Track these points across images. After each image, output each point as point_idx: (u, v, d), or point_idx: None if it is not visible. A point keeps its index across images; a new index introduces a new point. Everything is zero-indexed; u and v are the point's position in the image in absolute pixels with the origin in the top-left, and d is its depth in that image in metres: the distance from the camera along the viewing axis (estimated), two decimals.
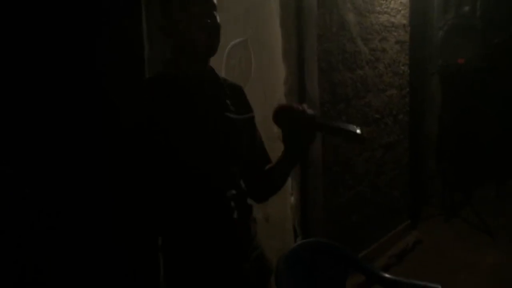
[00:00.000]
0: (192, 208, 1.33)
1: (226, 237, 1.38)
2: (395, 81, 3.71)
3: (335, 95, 3.03)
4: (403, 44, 3.77)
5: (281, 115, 1.33)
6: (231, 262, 1.39)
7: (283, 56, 2.83)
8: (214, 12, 1.33)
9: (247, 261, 1.43)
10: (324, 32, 2.92)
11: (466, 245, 3.89)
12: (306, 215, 3.00)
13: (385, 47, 3.54)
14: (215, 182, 1.35)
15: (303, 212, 2.99)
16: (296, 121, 1.30)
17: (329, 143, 3.00)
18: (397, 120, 3.78)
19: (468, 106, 4.75)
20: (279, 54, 2.83)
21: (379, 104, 3.52)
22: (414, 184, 4.24)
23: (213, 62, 2.41)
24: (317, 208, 3.02)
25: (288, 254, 1.98)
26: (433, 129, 4.81)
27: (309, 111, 1.30)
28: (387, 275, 1.99)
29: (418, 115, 4.55)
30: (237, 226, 1.39)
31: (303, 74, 2.83)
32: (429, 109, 4.82)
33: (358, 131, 1.25)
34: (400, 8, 3.68)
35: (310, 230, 2.94)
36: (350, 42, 3.14)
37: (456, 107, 4.65)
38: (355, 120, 3.25)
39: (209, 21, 1.31)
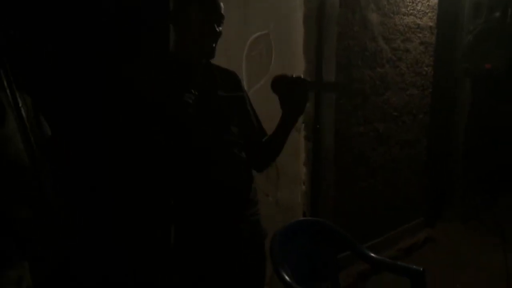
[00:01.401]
0: (197, 173, 1.55)
1: (224, 199, 1.59)
2: (417, 81, 3.82)
3: (352, 90, 3.19)
4: (428, 46, 3.87)
5: (277, 82, 1.55)
6: (229, 220, 1.61)
7: (303, 50, 3.02)
8: (222, 21, 1.56)
9: (244, 222, 1.64)
10: (345, 30, 3.08)
11: (478, 247, 3.96)
12: (316, 202, 3.18)
13: (408, 47, 3.66)
14: (214, 150, 1.56)
15: (313, 200, 3.17)
16: (289, 84, 1.53)
17: (343, 135, 3.17)
18: (417, 119, 3.89)
19: (498, 111, 4.78)
20: (299, 48, 3.02)
21: (399, 102, 3.64)
22: (434, 183, 4.34)
23: (235, 53, 2.65)
24: (327, 197, 3.20)
25: (285, 228, 2.18)
26: (461, 131, 4.86)
27: (298, 76, 1.55)
28: (373, 254, 2.16)
29: (445, 116, 4.63)
30: (235, 190, 1.61)
31: (321, 69, 3.01)
32: (459, 112, 4.88)
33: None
34: (427, 11, 3.79)
35: (319, 217, 3.12)
36: (371, 41, 3.29)
37: (486, 112, 4.69)
38: (372, 116, 3.40)
39: (218, 29, 1.53)
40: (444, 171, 4.76)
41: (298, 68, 3.02)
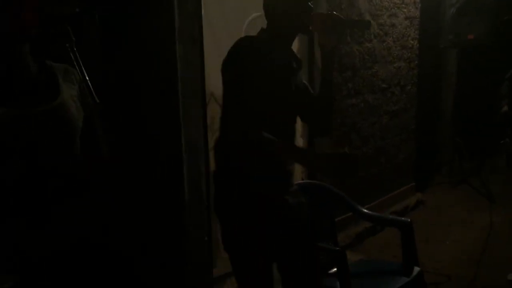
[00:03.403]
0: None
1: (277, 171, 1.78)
2: (404, 54, 4.05)
3: (342, 65, 3.42)
4: (413, 20, 4.09)
5: (316, 20, 1.73)
6: (278, 193, 1.78)
7: None
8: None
9: (288, 194, 1.83)
10: (334, 8, 3.29)
11: (466, 207, 4.24)
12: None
13: (394, 22, 3.88)
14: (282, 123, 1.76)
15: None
16: (329, 21, 1.71)
17: (336, 106, 3.40)
18: (405, 91, 4.13)
19: (482, 80, 5.01)
20: None
21: (386, 75, 3.88)
22: (423, 150, 4.60)
23: (234, 33, 2.86)
24: None
25: None
26: (448, 101, 5.11)
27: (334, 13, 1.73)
28: (365, 210, 2.42)
29: (432, 86, 4.88)
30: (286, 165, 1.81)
31: (312, 45, 3.23)
32: (445, 82, 5.12)
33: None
34: None
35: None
36: (359, 17, 3.50)
37: (471, 81, 4.92)
38: (362, 88, 3.64)
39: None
40: (433, 138, 5.03)
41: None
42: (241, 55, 1.67)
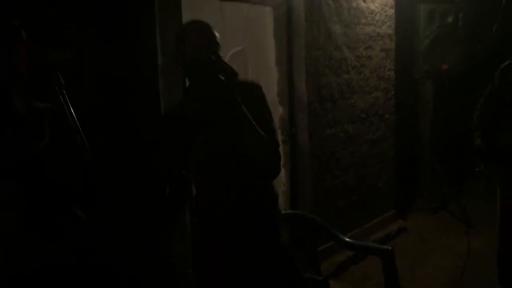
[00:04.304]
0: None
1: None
2: (381, 84, 4.17)
3: (322, 96, 3.51)
4: (389, 52, 4.24)
5: None
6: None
7: (276, 62, 3.34)
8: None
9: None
10: (312, 41, 3.40)
11: (446, 232, 4.32)
12: (295, 200, 3.49)
13: (370, 54, 4.01)
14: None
15: (293, 198, 3.47)
16: None
17: (316, 137, 3.48)
18: (383, 119, 4.24)
19: (457, 108, 5.17)
20: (272, 61, 3.34)
21: (365, 105, 3.99)
22: (403, 178, 4.69)
23: None
24: (305, 194, 3.50)
25: None
26: (426, 128, 5.24)
27: None
28: (347, 239, 2.47)
29: (409, 115, 5.01)
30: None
31: (292, 78, 3.33)
32: (422, 110, 5.27)
33: None
34: (385, 20, 4.16)
35: (298, 210, 3.42)
36: (336, 50, 3.63)
37: (447, 109, 5.07)
38: (341, 118, 3.73)
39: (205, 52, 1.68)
40: (412, 166, 5.13)
41: (272, 78, 3.34)
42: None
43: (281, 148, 3.27)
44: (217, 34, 1.71)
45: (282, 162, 3.32)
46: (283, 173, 3.43)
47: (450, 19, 4.65)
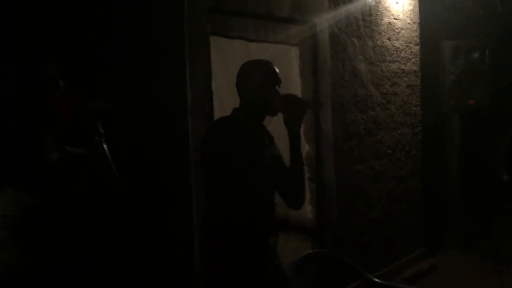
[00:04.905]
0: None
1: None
2: (407, 120, 4.16)
3: (348, 133, 3.52)
4: (414, 88, 4.25)
5: (280, 103, 1.87)
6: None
7: None
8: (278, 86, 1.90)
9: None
10: (338, 79, 3.44)
11: (477, 271, 4.19)
12: (322, 238, 3.45)
13: (396, 90, 4.02)
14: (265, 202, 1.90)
15: (319, 234, 3.44)
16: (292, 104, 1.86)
17: (342, 174, 3.47)
18: (410, 155, 4.21)
19: (484, 144, 5.11)
20: None
21: (391, 141, 3.97)
22: (432, 214, 4.61)
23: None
24: (332, 232, 3.46)
25: (295, 261, 2.44)
26: (453, 164, 5.17)
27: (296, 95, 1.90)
28: (376, 279, 2.42)
29: (436, 151, 4.96)
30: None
31: (318, 115, 3.35)
32: (448, 146, 5.21)
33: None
34: (410, 57, 4.18)
35: (325, 246, 3.38)
36: (362, 88, 3.65)
37: (473, 144, 5.01)
38: (368, 155, 3.72)
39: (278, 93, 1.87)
40: (441, 202, 5.04)
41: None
42: (220, 133, 1.83)
43: (307, 185, 3.31)
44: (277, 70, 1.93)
45: (308, 200, 3.36)
46: (309, 210, 3.42)
47: (476, 55, 4.65)
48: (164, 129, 2.37)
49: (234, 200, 1.76)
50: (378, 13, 3.82)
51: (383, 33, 3.86)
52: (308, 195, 3.38)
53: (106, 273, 1.42)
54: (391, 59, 3.96)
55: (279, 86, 1.89)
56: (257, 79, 1.86)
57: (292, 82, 3.36)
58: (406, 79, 4.13)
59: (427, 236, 4.48)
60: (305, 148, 3.38)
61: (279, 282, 1.93)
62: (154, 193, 2.27)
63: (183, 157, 2.43)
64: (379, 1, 3.82)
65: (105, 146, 1.24)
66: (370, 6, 3.73)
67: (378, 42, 3.81)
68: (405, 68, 4.12)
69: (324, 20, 3.33)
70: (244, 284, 1.81)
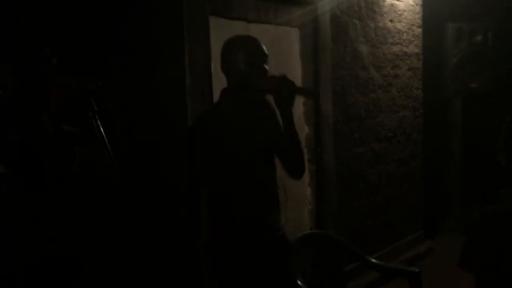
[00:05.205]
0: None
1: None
2: (408, 103, 4.15)
3: (348, 115, 3.52)
4: (416, 71, 4.22)
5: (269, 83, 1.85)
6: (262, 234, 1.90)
7: (301, 82, 3.36)
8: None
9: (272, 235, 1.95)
10: (338, 61, 3.42)
11: None
12: (321, 219, 3.46)
13: (397, 73, 4.00)
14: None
15: (319, 217, 3.45)
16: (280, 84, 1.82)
17: (342, 156, 3.47)
18: (411, 138, 4.21)
19: (486, 127, 5.08)
20: (299, 80, 3.36)
21: (392, 124, 3.96)
22: (432, 197, 4.62)
23: None
24: (332, 213, 3.48)
25: (293, 241, 2.45)
26: (454, 147, 5.16)
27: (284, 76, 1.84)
28: (373, 260, 2.44)
29: (438, 134, 4.95)
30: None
31: (318, 97, 3.34)
32: (450, 129, 5.19)
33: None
34: (412, 39, 4.15)
35: (325, 229, 3.39)
36: (363, 70, 3.63)
37: (475, 127, 5.00)
38: (368, 137, 3.72)
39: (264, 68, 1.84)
40: (441, 185, 5.04)
41: (298, 98, 3.35)
42: (200, 125, 1.90)
43: (306, 167, 3.31)
44: (264, 47, 1.86)
45: (307, 181, 3.37)
46: (308, 192, 3.43)
47: (478, 38, 4.61)
48: (162, 112, 2.36)
49: (222, 178, 1.79)
50: None
51: (385, 15, 3.83)
52: (308, 178, 3.39)
53: (106, 273, 1.43)
54: (393, 41, 3.93)
55: (266, 64, 1.84)
56: (242, 58, 1.80)
57: (293, 64, 3.34)
58: (408, 61, 4.11)
59: (427, 219, 4.50)
60: (305, 129, 3.38)
61: (281, 245, 1.96)
62: (153, 184, 2.27)
63: (183, 139, 2.42)
64: None
65: (99, 123, 1.25)
66: None
67: (380, 24, 3.78)
68: (407, 50, 4.09)
69: (326, 2, 3.30)
70: (245, 260, 1.83)
